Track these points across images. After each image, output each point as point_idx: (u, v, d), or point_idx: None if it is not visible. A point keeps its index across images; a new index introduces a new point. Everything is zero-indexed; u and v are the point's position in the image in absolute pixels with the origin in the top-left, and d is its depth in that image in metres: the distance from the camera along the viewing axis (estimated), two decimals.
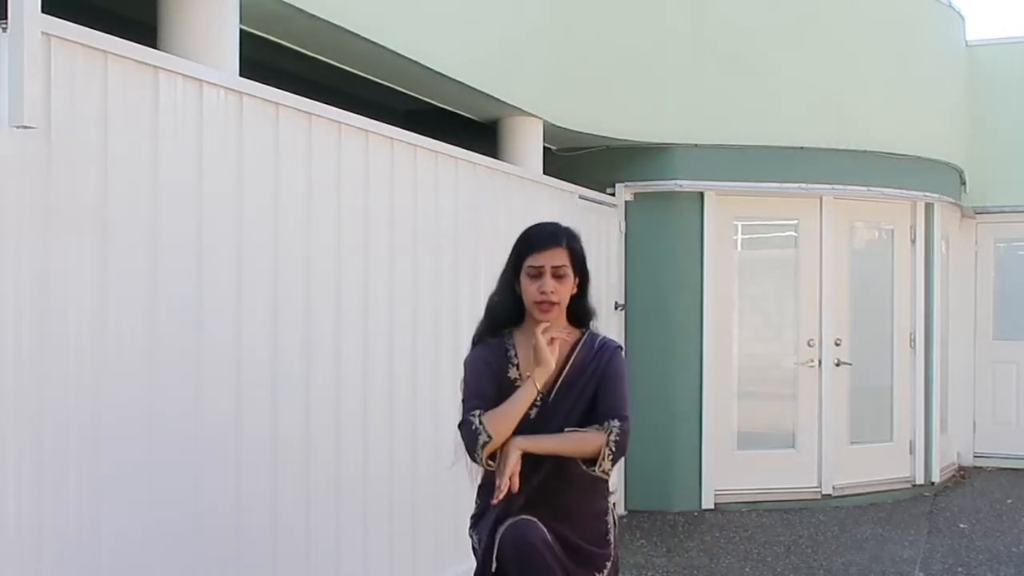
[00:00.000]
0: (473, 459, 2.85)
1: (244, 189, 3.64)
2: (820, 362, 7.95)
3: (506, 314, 2.97)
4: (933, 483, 8.46)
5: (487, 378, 2.91)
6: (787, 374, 7.99)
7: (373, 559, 4.40)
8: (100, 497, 3.01)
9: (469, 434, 2.83)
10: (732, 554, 6.40)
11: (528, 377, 2.85)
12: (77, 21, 2.93)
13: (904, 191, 8.19)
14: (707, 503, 7.60)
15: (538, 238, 2.95)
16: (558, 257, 2.90)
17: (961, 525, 7.26)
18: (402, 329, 4.67)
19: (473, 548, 3.04)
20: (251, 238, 3.67)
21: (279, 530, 3.82)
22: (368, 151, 4.41)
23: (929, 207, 8.50)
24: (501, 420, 2.81)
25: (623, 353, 3.04)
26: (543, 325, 2.86)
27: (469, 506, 3.14)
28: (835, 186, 7.85)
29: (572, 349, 2.96)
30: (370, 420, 4.40)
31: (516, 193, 5.77)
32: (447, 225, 5.03)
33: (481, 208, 5.37)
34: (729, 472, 7.69)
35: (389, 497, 4.51)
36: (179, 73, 3.34)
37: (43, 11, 2.75)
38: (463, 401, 2.92)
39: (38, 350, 2.82)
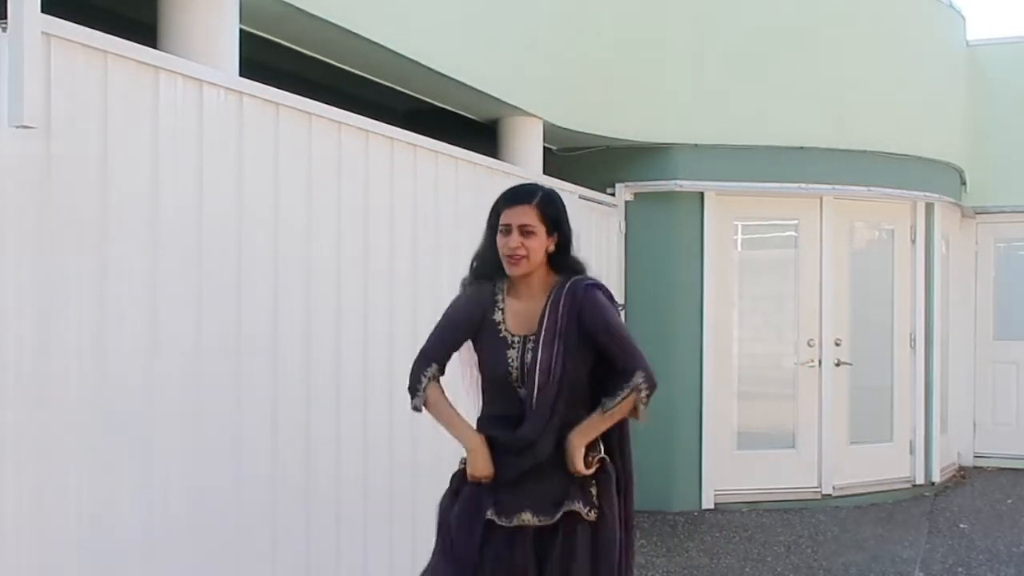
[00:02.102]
0: (411, 393, 3.11)
1: (244, 189, 3.64)
2: (820, 362, 7.94)
3: (489, 266, 3.14)
4: (933, 483, 8.46)
5: (462, 323, 3.15)
6: (787, 374, 7.99)
7: (372, 556, 4.42)
8: (100, 498, 3.02)
9: (414, 379, 3.10)
10: (732, 554, 6.40)
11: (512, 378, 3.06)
12: (77, 21, 2.93)
13: (904, 191, 8.19)
14: (707, 503, 7.60)
15: (509, 197, 3.12)
16: (526, 215, 3.04)
17: (961, 525, 7.26)
18: (402, 328, 4.67)
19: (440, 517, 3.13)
20: (251, 238, 3.67)
21: (278, 529, 3.82)
22: (368, 151, 4.41)
23: (929, 207, 8.50)
24: (437, 413, 3.10)
25: (598, 290, 3.13)
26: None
27: None
28: (835, 186, 7.85)
29: (547, 296, 3.09)
30: (369, 419, 4.40)
31: None
32: (447, 225, 5.03)
33: (481, 208, 5.35)
34: (729, 472, 7.69)
35: (389, 494, 4.52)
36: (179, 73, 3.34)
37: (43, 11, 2.75)
38: (433, 331, 3.18)
39: (38, 349, 2.82)
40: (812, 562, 6.24)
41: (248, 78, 3.74)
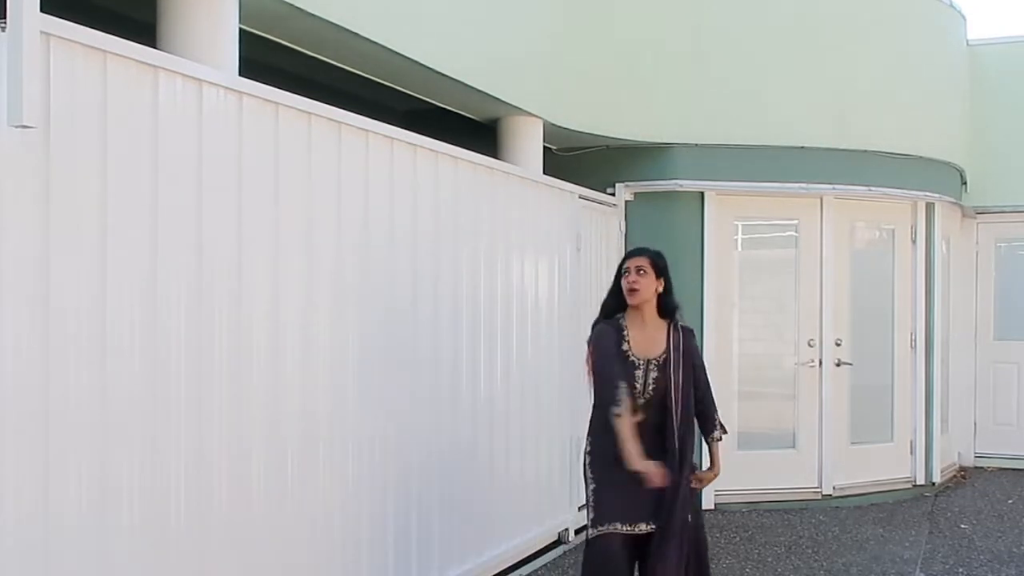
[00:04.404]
0: (611, 408, 4.06)
1: (244, 188, 3.64)
2: (820, 362, 7.94)
3: (613, 306, 4.29)
4: (934, 483, 8.46)
5: (614, 357, 4.14)
6: (787, 374, 7.99)
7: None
8: (105, 489, 3.02)
9: (612, 394, 4.07)
10: (732, 554, 6.40)
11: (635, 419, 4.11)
12: (77, 21, 2.93)
13: (905, 191, 8.19)
14: (707, 503, 7.57)
15: (631, 252, 4.36)
16: (640, 261, 4.24)
17: (962, 525, 7.26)
18: (400, 328, 4.67)
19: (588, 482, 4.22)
20: (251, 237, 3.67)
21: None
22: (368, 151, 4.40)
23: (930, 207, 8.49)
24: (623, 428, 4.04)
25: (694, 336, 4.33)
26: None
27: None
28: (835, 186, 7.84)
29: (668, 334, 4.22)
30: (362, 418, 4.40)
31: (516, 193, 5.76)
32: (447, 224, 5.03)
33: (481, 208, 5.37)
34: (729, 472, 7.60)
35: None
36: (179, 73, 3.33)
37: (42, 10, 2.74)
38: (598, 374, 4.16)
39: (38, 349, 2.82)
40: (813, 563, 6.24)
41: (248, 78, 3.73)
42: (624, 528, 4.09)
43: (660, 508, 4.06)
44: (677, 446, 4.11)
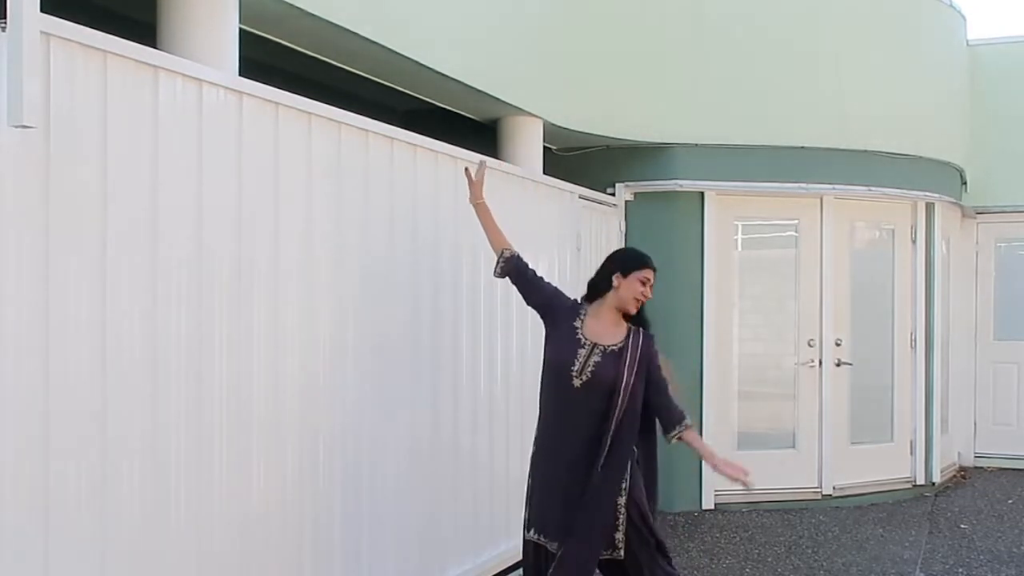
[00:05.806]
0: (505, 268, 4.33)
1: (243, 188, 3.64)
2: (820, 362, 7.94)
3: (599, 291, 4.15)
4: (934, 483, 8.46)
5: (551, 295, 4.25)
6: (787, 374, 7.99)
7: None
8: (104, 499, 3.02)
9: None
10: (732, 555, 6.40)
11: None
12: (77, 21, 2.93)
13: (905, 191, 8.19)
14: (707, 503, 7.59)
15: (649, 261, 4.17)
16: (652, 276, 4.15)
17: (962, 525, 7.26)
18: (400, 328, 4.66)
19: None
20: (251, 237, 3.67)
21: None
22: (368, 151, 4.40)
23: (930, 207, 8.50)
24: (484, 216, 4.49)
25: (654, 339, 4.13)
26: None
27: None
28: (835, 186, 7.85)
29: (628, 332, 4.07)
30: (362, 419, 4.40)
31: (516, 193, 5.76)
32: (446, 225, 5.03)
33: None
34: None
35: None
36: (179, 73, 3.33)
37: (42, 10, 2.74)
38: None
39: (37, 349, 2.82)
40: (812, 562, 6.24)
41: (248, 78, 3.73)
42: (539, 537, 4.02)
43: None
44: (610, 442, 3.90)
